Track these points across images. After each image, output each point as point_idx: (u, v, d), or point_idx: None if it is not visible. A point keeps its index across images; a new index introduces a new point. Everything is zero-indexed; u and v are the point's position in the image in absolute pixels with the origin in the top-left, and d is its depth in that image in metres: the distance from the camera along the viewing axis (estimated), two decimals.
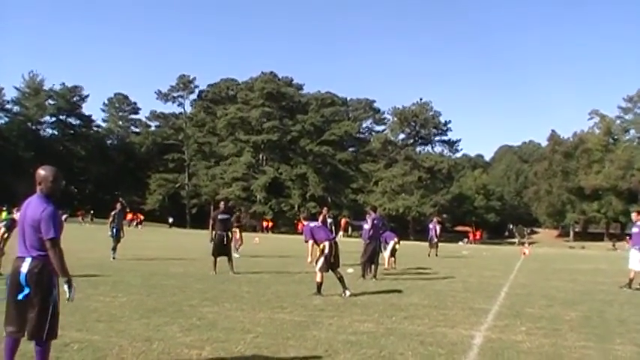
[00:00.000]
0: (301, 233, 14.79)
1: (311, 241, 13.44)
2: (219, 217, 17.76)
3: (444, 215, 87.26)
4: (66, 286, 5.59)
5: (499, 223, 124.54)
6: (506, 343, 8.54)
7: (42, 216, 5.48)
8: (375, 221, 17.92)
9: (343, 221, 24.38)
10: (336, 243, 13.42)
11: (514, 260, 31.13)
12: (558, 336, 9.24)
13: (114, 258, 20.91)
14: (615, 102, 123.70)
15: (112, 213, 22.38)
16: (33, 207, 5.59)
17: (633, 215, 17.56)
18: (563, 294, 15.24)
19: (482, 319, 10.68)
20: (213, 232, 17.58)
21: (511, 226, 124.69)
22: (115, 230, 21.84)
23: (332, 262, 13.10)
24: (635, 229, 17.09)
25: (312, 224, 13.75)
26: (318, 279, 13.08)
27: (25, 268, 5.49)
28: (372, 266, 17.57)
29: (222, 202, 18.92)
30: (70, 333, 8.11)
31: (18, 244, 5.66)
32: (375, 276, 17.39)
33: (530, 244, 76.25)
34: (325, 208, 21.56)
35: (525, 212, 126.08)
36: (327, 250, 13.02)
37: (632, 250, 17.02)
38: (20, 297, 5.49)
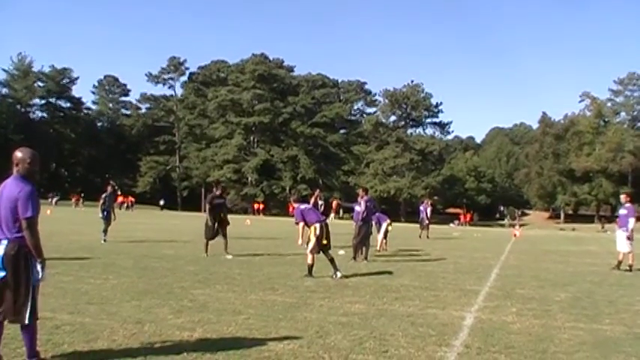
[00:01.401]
0: (292, 215, 14.78)
1: (302, 223, 13.43)
2: (215, 201, 17.77)
3: (435, 197, 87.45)
4: (39, 267, 5.55)
5: (490, 205, 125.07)
6: (496, 324, 8.58)
7: (19, 195, 5.46)
8: (368, 203, 17.95)
9: (335, 203, 24.50)
10: (327, 225, 13.44)
11: (505, 242, 31.24)
12: (548, 317, 9.30)
13: (104, 240, 20.86)
14: (606, 84, 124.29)
15: (103, 195, 22.31)
16: (9, 188, 5.56)
17: (622, 197, 17.68)
18: (554, 275, 15.32)
19: (472, 300, 10.73)
20: (210, 216, 17.53)
21: (502, 208, 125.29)
22: (105, 213, 21.78)
23: (323, 244, 13.12)
24: (622, 211, 17.23)
25: (303, 206, 13.75)
26: (309, 261, 13.10)
27: (0, 250, 5.46)
28: (364, 248, 17.61)
29: (216, 187, 18.91)
30: (61, 315, 8.10)
31: None
32: (366, 257, 17.42)
33: (520, 225, 76.54)
34: (317, 190, 21.56)
35: (516, 194, 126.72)
36: (318, 232, 13.03)
37: (619, 232, 17.16)
38: None
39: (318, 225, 13.12)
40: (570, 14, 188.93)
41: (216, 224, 17.40)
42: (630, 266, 16.76)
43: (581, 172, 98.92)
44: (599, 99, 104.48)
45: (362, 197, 18.13)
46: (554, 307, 10.16)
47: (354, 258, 17.33)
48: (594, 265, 18.70)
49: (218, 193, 18.27)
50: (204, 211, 18.88)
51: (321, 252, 13.15)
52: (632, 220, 16.84)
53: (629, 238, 16.66)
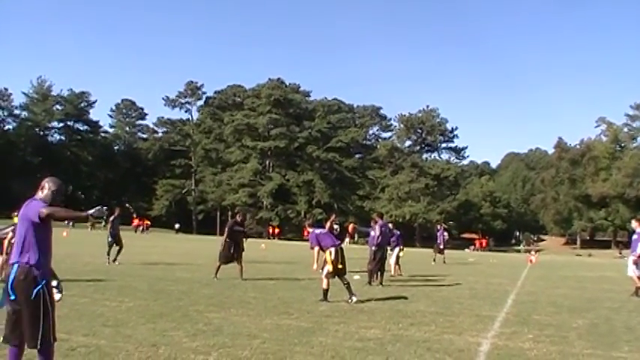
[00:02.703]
0: (307, 240, 14.77)
1: (317, 248, 13.41)
2: (235, 228, 17.84)
3: (451, 222, 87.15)
4: (91, 212, 5.51)
5: (506, 231, 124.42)
6: (513, 351, 8.50)
7: (29, 208, 5.55)
8: (383, 228, 17.96)
9: (351, 227, 24.35)
10: (342, 249, 13.41)
11: (521, 267, 31.05)
12: (566, 343, 9.20)
13: (110, 262, 20.86)
14: (622, 109, 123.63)
15: (111, 219, 22.35)
16: (26, 209, 5.61)
17: (633, 222, 17.59)
18: (570, 301, 15.19)
19: (489, 326, 10.64)
20: (227, 241, 17.56)
21: (518, 234, 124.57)
22: (112, 236, 21.77)
23: (338, 269, 13.10)
24: (634, 237, 17.10)
25: (318, 231, 13.75)
26: (324, 285, 13.07)
27: (12, 274, 5.49)
28: (379, 273, 17.59)
29: (238, 215, 19.03)
30: (77, 337, 8.11)
31: (12, 250, 5.68)
32: (381, 283, 17.40)
33: (536, 251, 76.03)
34: (333, 215, 21.57)
35: (532, 219, 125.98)
36: (333, 256, 13.01)
37: (630, 257, 17.04)
38: (9, 299, 5.49)
39: (333, 249, 13.10)
40: (587, 40, 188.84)
41: (232, 250, 17.43)
42: (638, 289, 16.60)
43: (598, 198, 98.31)
44: (616, 124, 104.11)
45: (376, 222, 18.15)
46: (571, 334, 10.06)
47: (369, 283, 17.29)
48: (612, 292, 18.53)
49: (240, 219, 18.38)
50: (220, 234, 18.94)
51: (336, 277, 13.12)
52: None
53: (636, 263, 16.55)
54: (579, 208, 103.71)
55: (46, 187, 5.72)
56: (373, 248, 17.76)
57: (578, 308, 13.71)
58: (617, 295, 16.94)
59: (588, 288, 19.88)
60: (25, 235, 5.52)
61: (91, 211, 5.42)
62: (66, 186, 5.93)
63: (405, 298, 14.38)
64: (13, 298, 5.45)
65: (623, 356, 8.45)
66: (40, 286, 5.52)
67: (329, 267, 13.01)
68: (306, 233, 14.05)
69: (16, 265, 5.49)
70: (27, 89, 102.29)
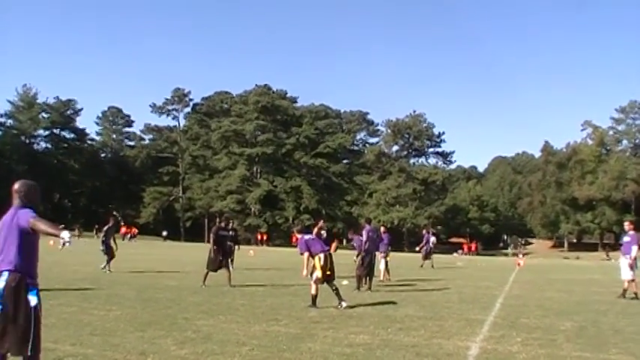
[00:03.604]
0: (296, 246, 14.76)
1: (306, 254, 13.41)
2: (220, 233, 17.79)
3: (439, 227, 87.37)
4: (63, 234, 5.46)
5: (493, 234, 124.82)
6: (501, 354, 8.52)
7: (17, 215, 5.51)
8: (370, 233, 18.01)
9: (334, 246, 24.20)
10: (331, 255, 13.42)
11: (509, 271, 31.15)
12: (554, 346, 9.23)
13: (106, 271, 21.02)
14: (608, 113, 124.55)
15: (105, 228, 22.56)
16: (9, 217, 5.59)
17: (626, 225, 17.67)
18: (558, 304, 15.25)
19: (477, 329, 10.67)
20: (214, 248, 17.53)
21: (505, 237, 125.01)
22: (105, 245, 21.93)
23: (327, 275, 13.10)
24: (626, 239, 17.21)
25: (307, 237, 13.75)
26: (313, 291, 13.07)
27: (1, 283, 5.41)
28: (367, 278, 17.62)
29: (224, 221, 19.01)
30: (64, 347, 8.06)
31: None
32: (370, 288, 17.41)
33: (524, 254, 76.29)
34: (321, 221, 21.57)
35: (519, 223, 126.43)
36: (322, 262, 13.01)
37: (622, 260, 17.11)
38: None
39: (322, 255, 13.11)
40: (571, 43, 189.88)
41: (220, 256, 17.40)
42: (636, 294, 16.71)
43: (584, 201, 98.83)
44: (601, 127, 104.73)
45: (364, 227, 18.22)
46: (559, 337, 10.09)
47: (358, 288, 17.30)
48: (599, 294, 18.61)
49: (223, 225, 18.33)
50: (208, 241, 18.95)
51: (325, 282, 13.13)
52: (634, 248, 16.77)
53: (631, 267, 16.64)
54: (566, 211, 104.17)
55: (17, 193, 5.73)
56: (362, 254, 17.79)
57: (566, 311, 13.77)
58: (605, 298, 17.01)
59: (576, 291, 19.96)
60: (14, 243, 5.49)
61: (64, 235, 5.38)
62: (42, 185, 5.89)
63: (394, 303, 14.39)
64: (1, 307, 5.39)
65: (612, 358, 8.49)
66: (32, 294, 5.50)
67: (318, 273, 13.02)
68: (294, 239, 14.05)
69: (6, 273, 5.45)
70: (12, 97, 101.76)
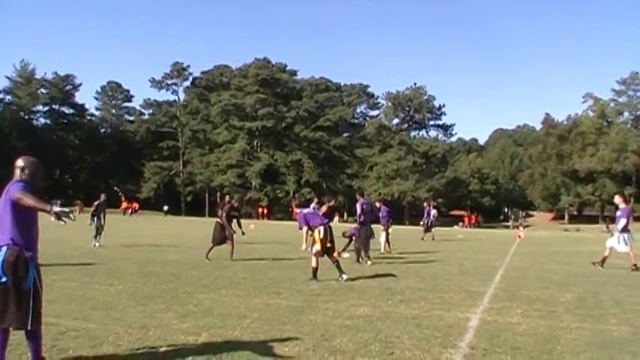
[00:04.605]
0: (296, 220, 14.77)
1: (305, 228, 13.43)
2: (232, 214, 17.94)
3: (439, 199, 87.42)
4: (50, 209, 5.36)
5: (494, 207, 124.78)
6: (502, 325, 8.55)
7: (10, 189, 5.55)
8: (364, 206, 18.03)
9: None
10: (330, 228, 13.44)
11: (509, 243, 31.22)
12: (554, 317, 9.27)
13: (95, 245, 21.24)
14: (609, 85, 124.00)
15: (96, 203, 22.86)
16: (6, 191, 5.62)
17: (616, 198, 17.85)
18: (558, 276, 15.30)
19: (477, 301, 10.71)
20: (222, 223, 17.62)
21: (506, 210, 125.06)
22: (95, 219, 22.14)
23: (327, 247, 13.13)
24: (618, 212, 17.41)
25: (306, 210, 13.78)
26: (314, 264, 13.10)
27: (1, 257, 5.47)
28: (364, 249, 17.71)
29: (234, 200, 19.08)
30: (66, 321, 8.10)
31: None
32: (369, 258, 17.48)
33: (525, 227, 76.42)
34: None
35: (520, 195, 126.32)
36: (322, 235, 13.03)
37: (617, 234, 17.23)
38: None
39: (322, 228, 13.13)
40: (572, 15, 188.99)
41: (225, 231, 17.48)
42: (635, 265, 16.79)
43: (585, 173, 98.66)
44: (602, 99, 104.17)
45: (358, 200, 18.27)
46: (559, 308, 10.13)
47: (358, 261, 17.36)
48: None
49: (236, 205, 18.47)
50: (210, 216, 19.02)
51: (325, 255, 13.16)
52: (622, 221, 17.04)
53: (624, 240, 16.85)
54: (567, 183, 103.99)
55: (20, 170, 5.76)
56: (357, 226, 17.87)
57: (566, 283, 13.81)
58: (605, 270, 17.03)
59: (576, 263, 20.02)
60: (10, 217, 5.50)
61: (56, 209, 5.32)
62: (42, 161, 5.91)
63: (394, 275, 14.43)
64: (4, 279, 5.42)
65: (610, 329, 8.52)
66: (31, 267, 5.52)
67: (317, 246, 13.04)
68: (295, 213, 14.09)
69: (4, 248, 5.47)
70: (10, 73, 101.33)
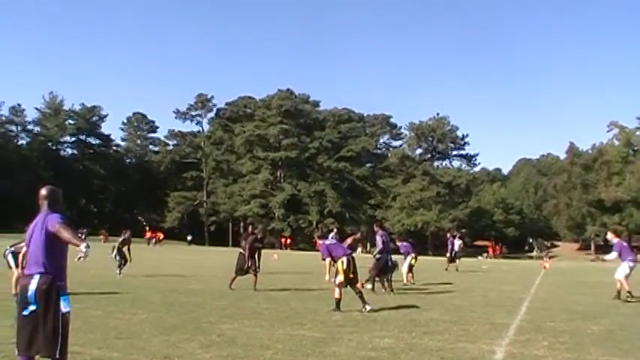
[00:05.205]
0: (319, 250, 14.70)
1: (328, 259, 13.42)
2: (255, 245, 18.06)
3: (463, 230, 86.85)
4: (83, 246, 5.57)
5: (519, 237, 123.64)
6: (528, 358, 8.45)
7: (47, 220, 5.68)
8: (384, 237, 18.00)
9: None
10: (353, 259, 13.40)
11: (534, 274, 30.89)
12: (581, 350, 9.13)
13: (119, 275, 21.37)
14: (634, 113, 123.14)
15: (121, 238, 23.30)
16: (39, 222, 5.76)
17: (608, 235, 18.29)
18: (585, 307, 15.09)
19: (503, 333, 10.58)
20: (245, 254, 17.69)
21: (531, 240, 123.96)
22: (119, 255, 22.35)
23: (350, 278, 13.08)
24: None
25: (328, 242, 13.76)
26: (337, 295, 13.04)
27: (33, 285, 5.55)
28: (387, 280, 17.67)
29: (258, 231, 19.18)
30: (90, 350, 8.13)
31: (27, 261, 5.78)
32: (392, 290, 17.42)
33: (550, 257, 75.58)
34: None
35: (545, 226, 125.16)
36: (345, 266, 12.99)
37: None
38: (26, 312, 5.53)
39: (345, 259, 13.09)
40: (596, 42, 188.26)
41: (249, 261, 17.51)
42: (618, 293, 17.25)
43: (611, 203, 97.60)
44: (628, 128, 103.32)
45: (377, 232, 18.28)
46: (586, 341, 9.98)
47: (372, 289, 17.33)
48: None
49: (260, 237, 18.57)
50: (233, 245, 19.16)
51: (348, 286, 13.11)
52: (613, 254, 17.68)
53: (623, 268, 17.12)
54: (592, 213, 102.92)
55: (42, 199, 5.93)
56: (376, 256, 17.86)
57: (593, 314, 13.61)
58: (633, 302, 16.80)
59: (603, 294, 19.72)
60: (44, 247, 5.62)
61: (82, 246, 5.53)
62: (67, 191, 6.11)
63: (418, 306, 14.32)
64: (34, 307, 5.48)
65: None
66: (63, 300, 5.59)
67: (341, 277, 13.00)
68: (317, 245, 14.05)
69: (37, 275, 5.57)
70: (39, 104, 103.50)
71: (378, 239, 17.91)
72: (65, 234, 5.56)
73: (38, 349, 5.54)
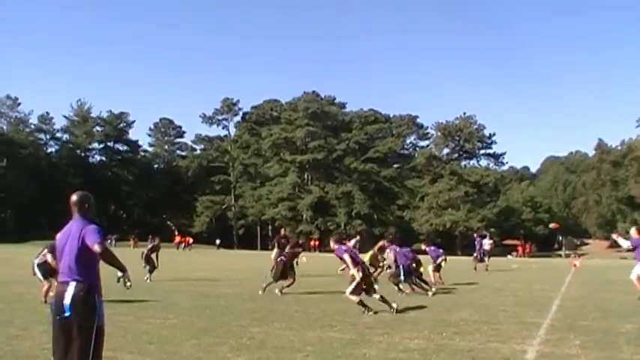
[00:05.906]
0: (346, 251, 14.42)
1: (348, 258, 13.06)
2: (295, 249, 18.43)
3: (492, 229, 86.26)
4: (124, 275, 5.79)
5: (548, 236, 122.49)
6: (560, 358, 8.39)
7: (86, 230, 5.68)
8: (395, 251, 17.88)
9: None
10: (368, 267, 13.39)
11: (564, 273, 30.60)
12: (614, 349, 9.03)
13: (148, 280, 21.41)
14: None
15: (150, 245, 23.54)
16: (73, 229, 5.77)
17: (632, 231, 17.87)
18: (617, 306, 14.93)
19: (534, 333, 10.51)
20: (283, 260, 17.80)
21: (560, 238, 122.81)
22: (146, 259, 22.53)
23: (363, 289, 12.95)
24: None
25: (344, 247, 13.53)
26: (356, 300, 12.88)
27: (69, 292, 5.55)
28: (412, 283, 17.61)
29: (299, 239, 19.43)
30: (122, 355, 8.21)
31: (61, 269, 5.77)
32: (413, 289, 17.51)
33: (580, 255, 74.79)
34: (385, 241, 21.15)
35: (574, 224, 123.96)
36: (360, 276, 12.84)
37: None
38: (60, 319, 5.55)
39: (361, 267, 13.04)
40: (622, 38, 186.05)
41: (286, 268, 17.59)
42: None
43: None
44: None
45: (390, 245, 18.27)
46: (619, 339, 9.87)
47: (400, 291, 17.34)
48: None
49: (300, 242, 18.79)
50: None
51: (366, 294, 12.98)
52: (628, 243, 17.90)
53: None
54: (623, 210, 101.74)
55: (73, 205, 5.94)
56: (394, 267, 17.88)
57: (626, 313, 13.46)
58: None
59: (635, 292, 19.48)
60: (79, 257, 5.63)
61: (126, 275, 6.28)
62: (97, 197, 6.15)
63: (448, 307, 14.28)
64: (68, 314, 5.53)
65: None
66: (99, 304, 5.65)
67: (356, 283, 12.81)
68: (335, 247, 13.34)
69: (74, 283, 5.58)
70: (67, 112, 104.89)
71: (391, 256, 17.88)
72: (108, 258, 5.69)
73: (72, 357, 5.57)
